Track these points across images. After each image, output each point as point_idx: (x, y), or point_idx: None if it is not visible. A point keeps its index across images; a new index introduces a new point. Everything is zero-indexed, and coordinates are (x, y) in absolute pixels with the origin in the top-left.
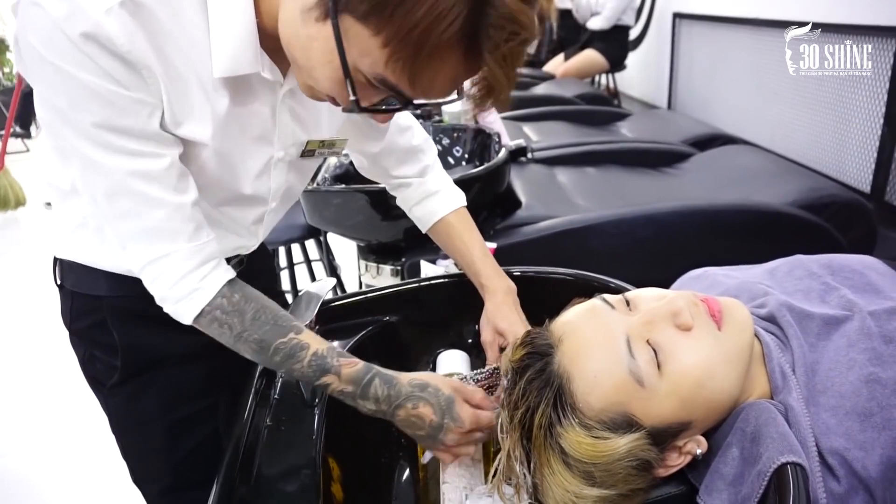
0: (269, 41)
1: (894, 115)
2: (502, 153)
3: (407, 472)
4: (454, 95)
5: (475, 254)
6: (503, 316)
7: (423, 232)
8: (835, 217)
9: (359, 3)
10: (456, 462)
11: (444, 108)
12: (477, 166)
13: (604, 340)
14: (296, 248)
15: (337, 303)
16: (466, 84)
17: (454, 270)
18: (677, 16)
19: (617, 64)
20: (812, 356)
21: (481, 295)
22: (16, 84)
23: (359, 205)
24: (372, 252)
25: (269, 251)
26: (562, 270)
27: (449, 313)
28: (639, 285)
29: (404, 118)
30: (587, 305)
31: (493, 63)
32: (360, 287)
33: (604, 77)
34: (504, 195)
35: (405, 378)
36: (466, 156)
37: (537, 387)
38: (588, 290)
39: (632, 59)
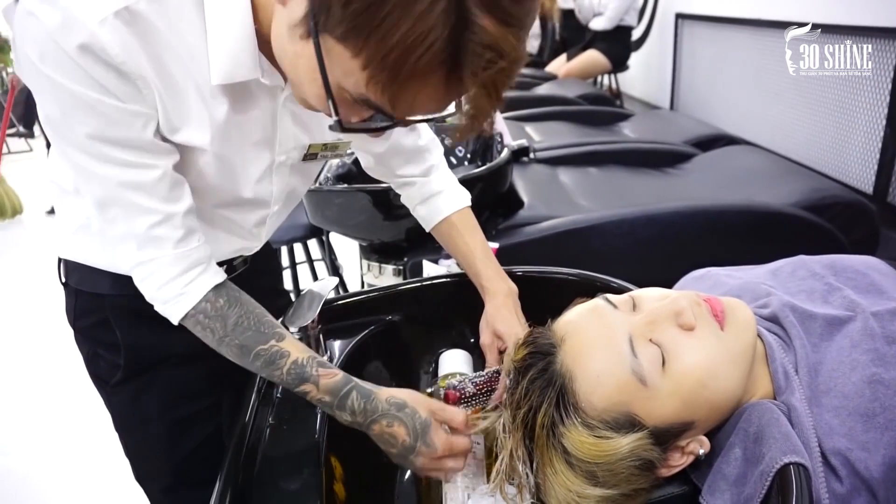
0: (270, 47)
1: None
2: (505, 153)
3: (409, 471)
4: (451, 109)
5: (477, 255)
6: (502, 319)
7: (427, 231)
8: (837, 218)
9: (337, 24)
10: None
11: None
12: (479, 166)
13: (606, 340)
14: (298, 247)
15: (339, 302)
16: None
17: (456, 270)
18: (680, 16)
19: (619, 64)
20: (815, 357)
21: (482, 296)
22: (9, 90)
23: (361, 204)
24: (374, 252)
25: (274, 250)
26: (564, 270)
27: (451, 313)
28: (641, 285)
29: None
30: (590, 305)
31: (474, 89)
32: (363, 286)
33: (606, 77)
34: (506, 195)
35: (384, 394)
36: (469, 156)
37: (540, 386)
38: (590, 290)
39: (634, 59)
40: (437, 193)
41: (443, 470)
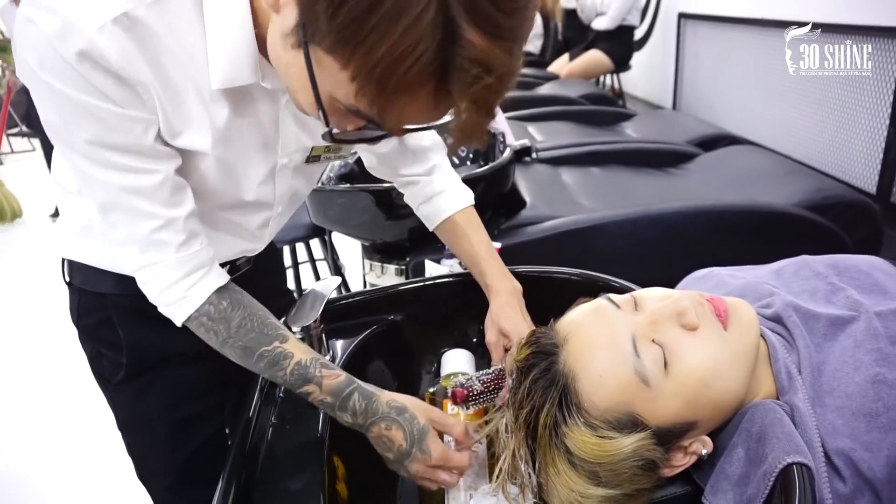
0: None
1: None
2: (507, 153)
3: None
4: (448, 117)
5: (481, 254)
6: (507, 317)
7: (431, 230)
8: (840, 218)
9: (325, 35)
10: None
11: None
12: (481, 166)
13: (609, 340)
14: (300, 247)
15: (341, 302)
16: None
17: (459, 270)
18: (682, 16)
19: (622, 64)
20: (818, 357)
21: (486, 295)
22: (5, 93)
23: (363, 204)
24: (376, 251)
25: (277, 250)
26: (566, 270)
27: (453, 313)
28: (644, 285)
29: None
30: (592, 305)
31: (462, 105)
32: (365, 286)
33: (608, 77)
34: (509, 195)
35: (385, 397)
36: (471, 155)
37: (542, 386)
38: (593, 290)
39: (636, 59)
40: (440, 192)
41: (435, 480)
